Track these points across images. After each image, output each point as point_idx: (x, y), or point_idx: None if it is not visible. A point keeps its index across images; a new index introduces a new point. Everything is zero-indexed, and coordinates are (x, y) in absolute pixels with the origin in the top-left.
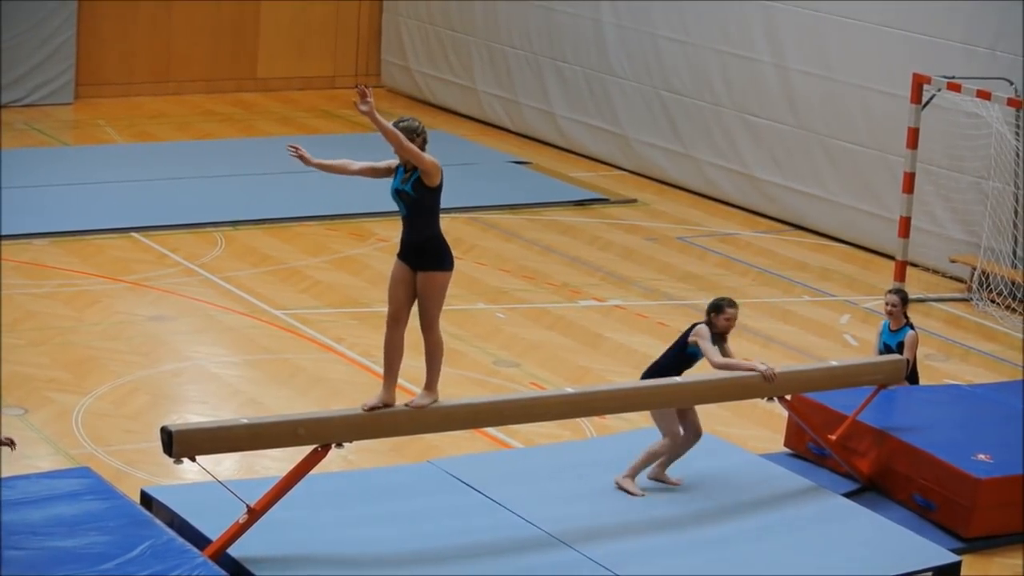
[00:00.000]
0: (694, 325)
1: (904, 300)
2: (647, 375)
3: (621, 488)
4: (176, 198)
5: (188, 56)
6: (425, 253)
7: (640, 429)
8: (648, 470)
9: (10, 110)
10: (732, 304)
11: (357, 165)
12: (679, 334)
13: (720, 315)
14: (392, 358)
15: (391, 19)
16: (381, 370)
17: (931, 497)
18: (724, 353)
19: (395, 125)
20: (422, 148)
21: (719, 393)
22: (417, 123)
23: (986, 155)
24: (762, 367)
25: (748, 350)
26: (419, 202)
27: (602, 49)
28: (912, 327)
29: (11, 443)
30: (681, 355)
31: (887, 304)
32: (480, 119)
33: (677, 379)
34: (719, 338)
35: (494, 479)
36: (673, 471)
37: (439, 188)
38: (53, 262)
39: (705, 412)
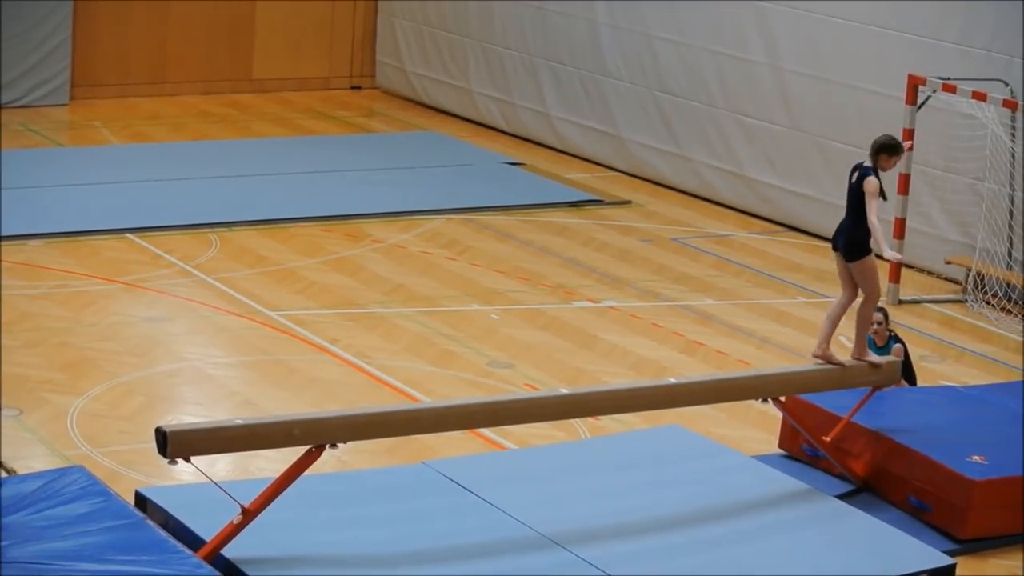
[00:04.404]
0: (861, 171)
1: (887, 317)
2: (838, 230)
3: (823, 359)
4: (171, 199)
5: (183, 57)
6: None
7: (634, 430)
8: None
9: (6, 111)
10: (902, 151)
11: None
12: (852, 181)
13: (894, 157)
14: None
15: (386, 20)
16: (376, 371)
17: (926, 499)
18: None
19: None
20: None
21: (713, 394)
22: None
23: (981, 156)
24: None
25: (743, 351)
26: None
27: (597, 50)
28: (898, 340)
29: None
30: (862, 206)
31: (872, 323)
32: (475, 120)
33: (671, 380)
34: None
35: (488, 480)
36: (665, 473)
37: None
38: (48, 263)
39: (699, 413)
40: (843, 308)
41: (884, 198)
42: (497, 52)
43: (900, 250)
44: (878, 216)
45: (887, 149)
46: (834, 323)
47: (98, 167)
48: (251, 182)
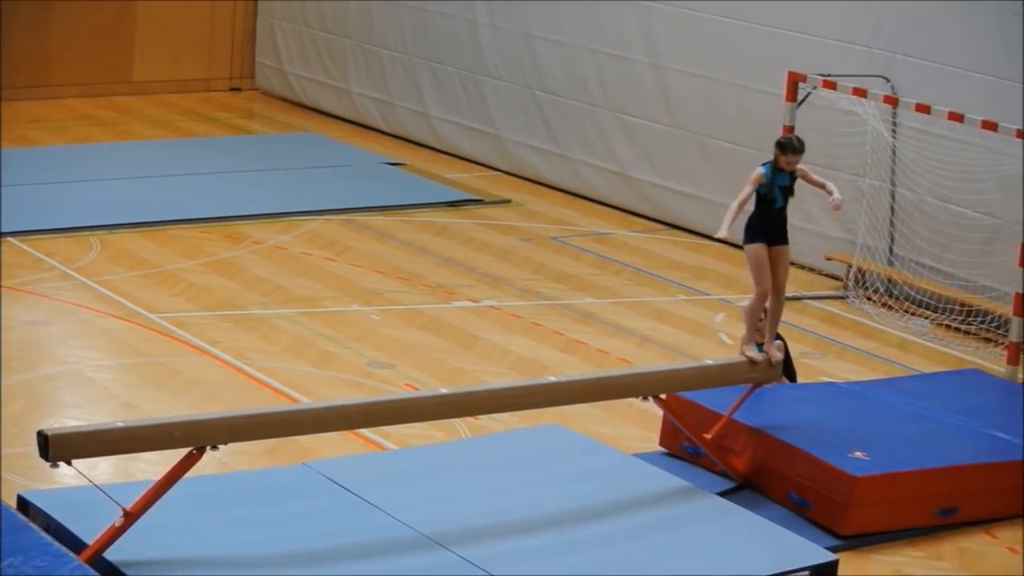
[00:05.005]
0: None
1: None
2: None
3: (745, 355)
4: (52, 202)
5: (65, 60)
6: None
7: (514, 429)
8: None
9: None
10: (794, 151)
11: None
12: None
13: (783, 156)
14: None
15: (265, 21)
16: (256, 372)
17: (806, 495)
18: (802, 175)
19: None
20: None
21: (594, 393)
22: None
23: (862, 153)
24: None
25: (623, 349)
26: None
27: (477, 50)
28: (778, 336)
29: None
30: (757, 199)
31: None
32: (354, 121)
33: (551, 379)
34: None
35: (369, 481)
36: (546, 472)
37: None
38: None
39: (579, 412)
40: (766, 304)
41: (784, 195)
42: (376, 53)
43: None
44: (740, 202)
45: (777, 146)
46: (759, 318)
47: None
48: (131, 185)
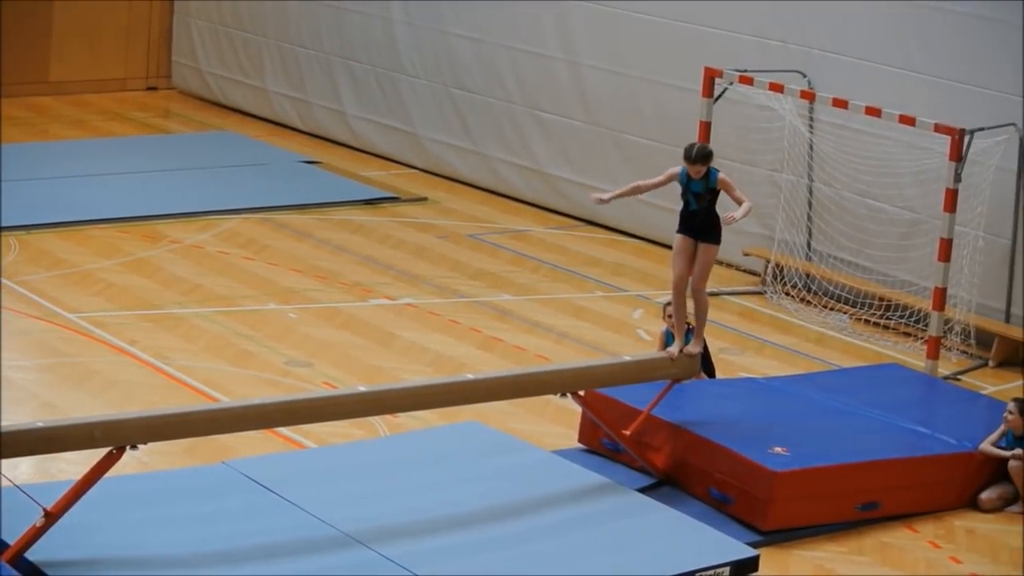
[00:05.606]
0: None
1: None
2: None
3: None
4: None
5: None
6: None
7: (433, 427)
8: None
9: None
10: (688, 159)
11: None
12: None
13: (684, 161)
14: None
15: (182, 20)
16: (175, 372)
17: (727, 491)
18: (722, 187)
19: None
20: None
21: (511, 390)
22: None
23: (779, 148)
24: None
25: (541, 346)
26: None
27: (393, 48)
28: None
29: None
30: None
31: (667, 315)
32: (271, 119)
33: (469, 376)
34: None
35: (288, 479)
36: (465, 469)
37: None
38: None
39: (497, 409)
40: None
41: (697, 200)
42: (293, 51)
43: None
44: (639, 184)
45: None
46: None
47: None
48: (49, 185)
